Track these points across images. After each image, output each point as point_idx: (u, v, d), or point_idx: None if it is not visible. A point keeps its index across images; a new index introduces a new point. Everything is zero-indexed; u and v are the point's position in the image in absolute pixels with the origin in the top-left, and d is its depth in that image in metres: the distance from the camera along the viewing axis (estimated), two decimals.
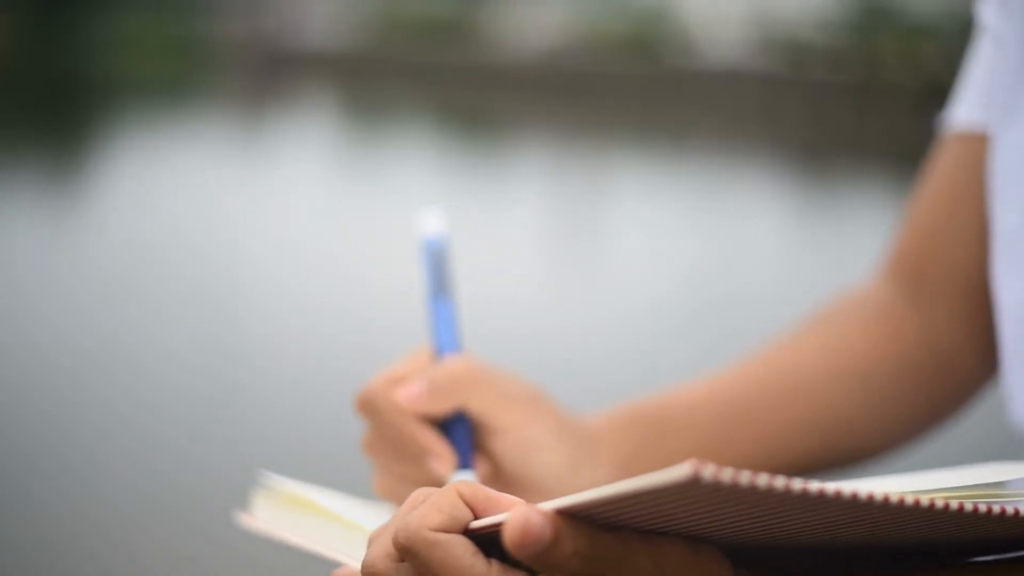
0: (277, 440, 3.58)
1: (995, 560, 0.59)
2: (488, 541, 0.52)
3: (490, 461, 0.77)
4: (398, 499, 0.76)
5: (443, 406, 0.75)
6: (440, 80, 18.16)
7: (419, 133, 13.92)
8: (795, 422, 0.87)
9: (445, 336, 0.77)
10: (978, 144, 0.85)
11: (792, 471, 0.87)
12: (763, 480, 0.45)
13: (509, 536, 0.49)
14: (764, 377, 0.88)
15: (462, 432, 0.75)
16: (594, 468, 0.78)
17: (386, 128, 14.04)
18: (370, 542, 0.56)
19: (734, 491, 0.45)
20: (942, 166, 0.89)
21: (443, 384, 0.75)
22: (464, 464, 0.74)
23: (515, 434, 0.76)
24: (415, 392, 0.74)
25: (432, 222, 0.80)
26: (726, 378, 0.89)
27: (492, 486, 0.75)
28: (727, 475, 0.44)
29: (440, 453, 0.74)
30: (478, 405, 0.75)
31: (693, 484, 0.44)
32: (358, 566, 0.59)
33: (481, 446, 0.76)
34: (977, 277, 0.86)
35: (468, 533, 0.52)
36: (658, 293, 5.86)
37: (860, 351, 0.89)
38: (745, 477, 0.44)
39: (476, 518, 0.53)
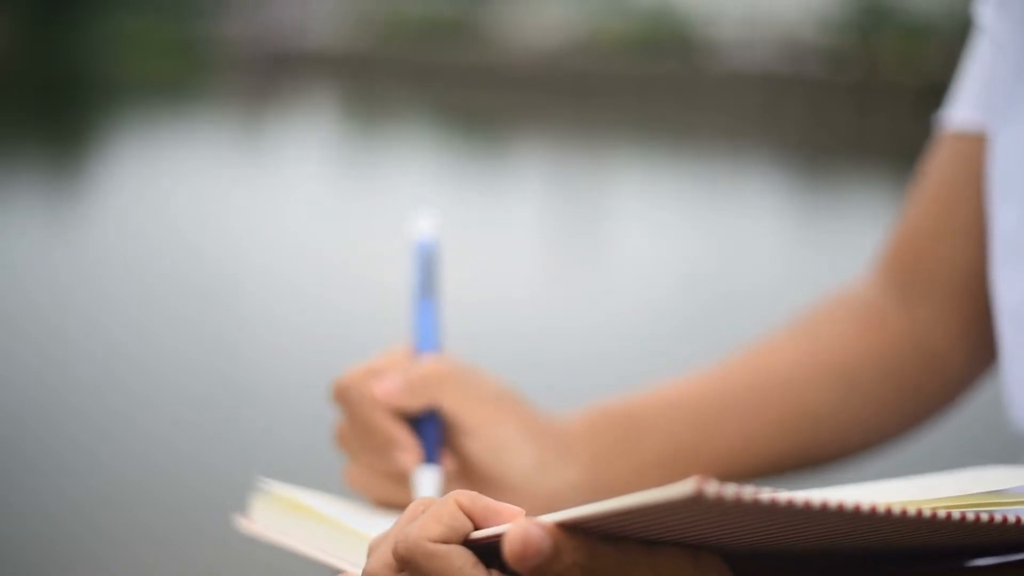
0: (276, 440, 3.58)
1: (995, 564, 0.59)
2: (488, 551, 0.52)
3: (459, 459, 0.78)
4: (366, 490, 0.78)
5: (417, 402, 0.76)
6: (440, 80, 18.17)
7: (419, 133, 13.92)
8: (772, 420, 0.87)
9: (426, 335, 0.79)
10: (974, 144, 0.85)
11: (770, 470, 0.87)
12: (766, 495, 0.45)
13: (509, 548, 0.49)
14: (741, 376, 0.88)
15: (431, 429, 0.76)
16: (564, 468, 0.79)
17: (386, 128, 14.04)
18: (370, 552, 0.56)
19: (737, 507, 0.45)
20: (937, 165, 0.89)
21: (419, 381, 0.76)
22: (430, 459, 0.75)
23: (483, 433, 0.77)
24: (390, 386, 0.76)
25: (424, 224, 0.81)
26: (702, 378, 0.88)
27: (459, 483, 0.76)
28: (730, 491, 0.44)
29: (407, 446, 0.75)
30: (450, 404, 0.76)
31: (696, 500, 0.44)
32: (357, 572, 0.59)
33: (451, 444, 0.78)
34: (970, 277, 0.86)
35: (468, 544, 0.52)
36: (658, 293, 5.86)
37: (842, 349, 0.89)
38: (748, 493, 0.44)
39: (476, 528, 0.53)
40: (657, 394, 0.87)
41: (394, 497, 0.77)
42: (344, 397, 0.77)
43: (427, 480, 0.74)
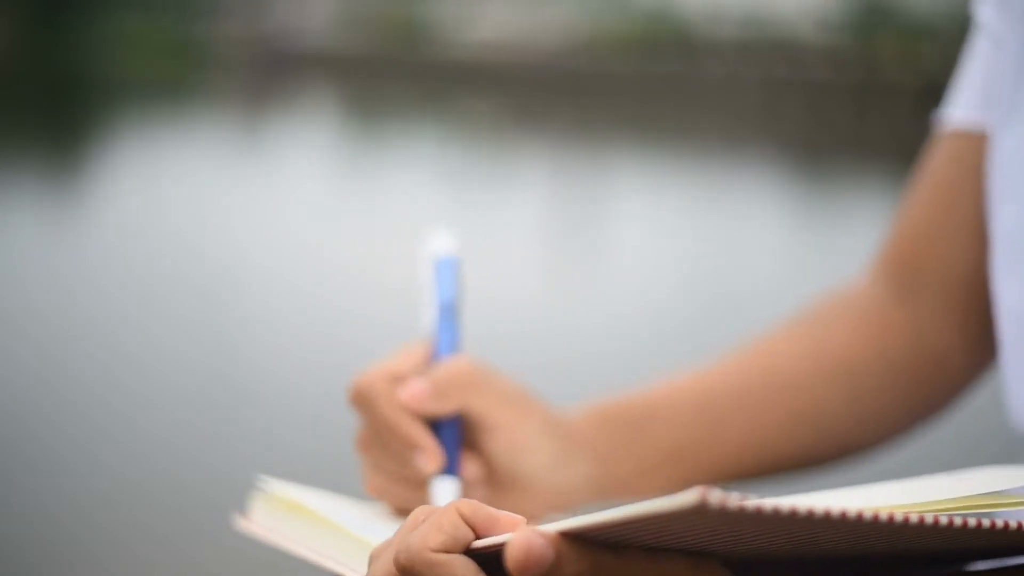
0: (276, 440, 3.58)
1: (996, 568, 0.59)
2: (490, 561, 0.51)
3: (481, 459, 0.77)
4: (388, 498, 0.76)
5: (444, 406, 0.75)
6: (440, 80, 18.16)
7: (419, 133, 13.91)
8: (777, 419, 0.86)
9: (447, 347, 0.78)
10: (973, 142, 0.85)
11: (776, 467, 0.87)
12: (769, 505, 0.45)
13: (512, 558, 0.49)
14: (746, 373, 0.88)
15: (452, 435, 0.75)
16: (575, 464, 0.79)
17: (386, 128, 14.04)
18: (371, 560, 0.55)
19: (740, 516, 0.45)
20: (936, 164, 0.88)
21: (446, 385, 0.75)
22: (450, 469, 0.74)
23: (507, 432, 0.76)
24: (417, 391, 0.74)
25: (445, 240, 0.81)
26: (707, 374, 0.88)
27: (480, 488, 0.75)
28: (734, 500, 0.44)
29: (430, 450, 0.74)
30: (476, 405, 0.76)
31: (700, 510, 0.44)
32: None
33: (473, 444, 0.77)
34: (970, 275, 0.86)
35: (469, 553, 0.52)
36: (658, 293, 5.86)
37: (846, 348, 0.88)
38: (751, 502, 0.44)
39: (477, 537, 0.52)
40: (663, 390, 0.86)
41: (415, 505, 0.75)
42: (364, 401, 0.75)
43: (445, 491, 0.73)
